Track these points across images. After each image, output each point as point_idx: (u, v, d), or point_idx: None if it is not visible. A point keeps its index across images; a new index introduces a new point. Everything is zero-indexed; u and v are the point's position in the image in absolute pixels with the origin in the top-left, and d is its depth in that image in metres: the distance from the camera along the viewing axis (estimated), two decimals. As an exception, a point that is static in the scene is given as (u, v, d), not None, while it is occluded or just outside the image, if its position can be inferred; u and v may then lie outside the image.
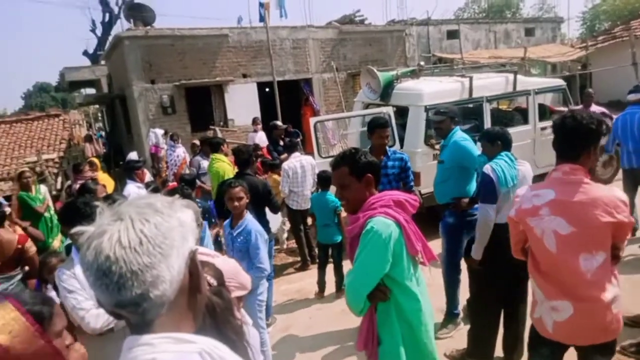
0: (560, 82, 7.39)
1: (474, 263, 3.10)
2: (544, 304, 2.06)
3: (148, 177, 6.85)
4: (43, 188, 5.44)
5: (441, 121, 3.84)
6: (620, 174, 5.65)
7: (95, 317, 2.09)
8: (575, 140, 1.95)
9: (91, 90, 20.32)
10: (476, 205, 3.52)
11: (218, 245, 4.59)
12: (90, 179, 5.04)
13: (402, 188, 3.73)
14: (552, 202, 1.96)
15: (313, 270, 5.18)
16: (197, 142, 8.30)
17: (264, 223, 4.09)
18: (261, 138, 8.94)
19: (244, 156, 4.47)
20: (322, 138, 8.43)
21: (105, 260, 0.75)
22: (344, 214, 4.30)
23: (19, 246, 3.40)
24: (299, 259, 5.82)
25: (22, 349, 1.12)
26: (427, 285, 2.08)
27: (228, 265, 1.53)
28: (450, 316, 3.80)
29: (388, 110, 5.85)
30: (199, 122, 11.65)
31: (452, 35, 16.42)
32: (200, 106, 11.79)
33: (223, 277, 1.36)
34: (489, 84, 6.32)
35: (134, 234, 0.77)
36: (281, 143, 7.90)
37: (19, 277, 3.40)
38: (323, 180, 4.83)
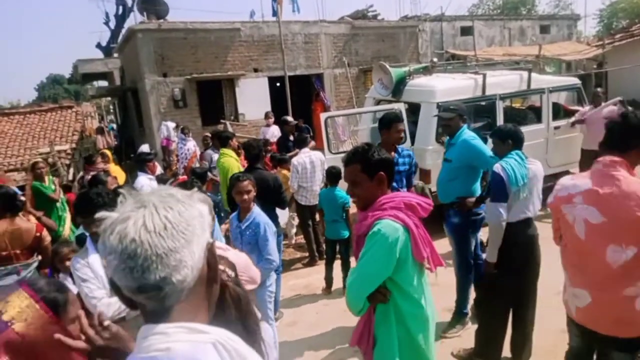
0: (575, 81, 7.24)
1: (490, 267, 3.00)
2: (568, 289, 2.19)
3: (159, 169, 6.90)
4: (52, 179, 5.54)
5: (450, 118, 3.77)
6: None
7: (107, 306, 2.13)
8: (631, 136, 2.00)
9: (104, 83, 20.52)
10: (482, 205, 3.49)
11: (226, 239, 4.61)
12: (102, 171, 5.10)
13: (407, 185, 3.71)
14: (587, 191, 2.02)
15: (321, 266, 5.19)
16: (209, 134, 8.31)
17: (273, 217, 4.10)
18: (274, 132, 8.83)
19: (254, 151, 4.48)
20: (332, 134, 8.41)
21: (130, 243, 0.77)
22: (352, 210, 4.29)
23: (37, 234, 3.48)
24: (306, 254, 5.84)
25: (36, 335, 1.14)
26: (432, 286, 2.05)
27: (240, 259, 1.55)
28: (459, 315, 3.78)
29: (400, 107, 5.80)
30: (209, 115, 11.70)
31: (466, 31, 16.22)
32: (212, 100, 11.84)
33: (236, 270, 1.38)
34: (502, 82, 6.23)
35: (159, 220, 0.79)
36: (291, 138, 7.89)
37: (35, 264, 3.47)
38: (332, 176, 4.82)
